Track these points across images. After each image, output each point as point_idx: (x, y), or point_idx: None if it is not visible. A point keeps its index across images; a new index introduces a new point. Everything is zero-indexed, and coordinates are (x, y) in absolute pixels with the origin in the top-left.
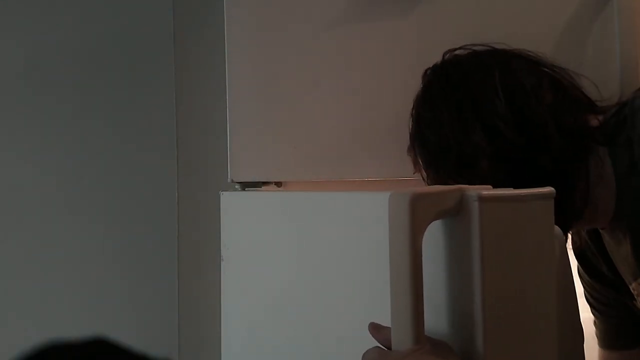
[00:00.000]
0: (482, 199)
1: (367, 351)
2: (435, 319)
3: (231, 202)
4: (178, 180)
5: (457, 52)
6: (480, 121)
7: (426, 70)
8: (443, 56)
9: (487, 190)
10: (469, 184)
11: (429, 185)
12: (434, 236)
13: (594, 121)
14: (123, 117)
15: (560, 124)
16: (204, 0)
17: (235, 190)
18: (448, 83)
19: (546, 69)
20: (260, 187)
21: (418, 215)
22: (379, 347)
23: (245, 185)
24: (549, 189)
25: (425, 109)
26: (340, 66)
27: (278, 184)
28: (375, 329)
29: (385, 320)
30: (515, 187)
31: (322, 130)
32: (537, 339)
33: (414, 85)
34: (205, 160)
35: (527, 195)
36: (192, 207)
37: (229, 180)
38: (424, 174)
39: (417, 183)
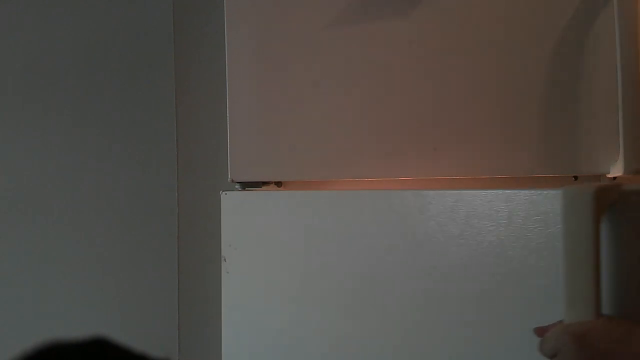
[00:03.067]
0: None
1: (545, 337)
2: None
3: (231, 202)
4: (178, 180)
5: None
6: None
7: None
8: None
9: None
10: None
11: None
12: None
13: None
14: (123, 117)
15: None
16: (204, 0)
17: (235, 190)
18: None
19: None
20: (260, 187)
21: (598, 208)
22: (560, 324)
23: (245, 185)
24: None
25: None
26: (340, 66)
27: (278, 184)
28: (541, 329)
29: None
30: None
31: (322, 130)
32: None
33: (414, 84)
34: (205, 160)
35: None
36: (192, 207)
37: (229, 180)
38: None
39: (418, 182)
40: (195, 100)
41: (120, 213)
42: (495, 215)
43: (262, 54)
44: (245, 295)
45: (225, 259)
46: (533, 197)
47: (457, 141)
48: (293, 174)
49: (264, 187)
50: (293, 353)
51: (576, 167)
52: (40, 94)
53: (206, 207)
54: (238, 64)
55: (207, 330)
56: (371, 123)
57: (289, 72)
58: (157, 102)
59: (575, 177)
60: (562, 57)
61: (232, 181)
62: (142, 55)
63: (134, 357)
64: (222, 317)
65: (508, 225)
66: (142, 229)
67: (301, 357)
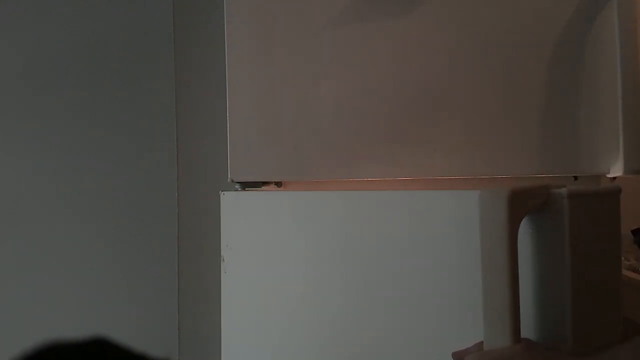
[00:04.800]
0: (570, 196)
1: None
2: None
3: (231, 202)
4: (178, 180)
5: None
6: None
7: None
8: None
9: (571, 187)
10: None
11: None
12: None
13: None
14: (123, 117)
15: None
16: (204, 0)
17: (235, 190)
18: None
19: None
20: (260, 187)
21: (515, 212)
22: (476, 352)
23: (245, 185)
24: (617, 186)
25: None
26: (340, 66)
27: (278, 184)
28: (460, 353)
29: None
30: None
31: (322, 130)
32: (613, 324)
33: (414, 85)
34: (205, 160)
35: (603, 192)
36: (192, 207)
37: (229, 180)
38: None
39: (417, 182)
40: (195, 100)
41: (120, 213)
42: None
43: (262, 54)
44: (244, 295)
45: (223, 259)
46: None
47: (457, 141)
48: (293, 174)
49: (263, 187)
50: (292, 352)
51: (576, 167)
52: (40, 93)
53: (206, 207)
54: (238, 64)
55: (207, 330)
56: (371, 123)
57: (289, 72)
58: (157, 102)
59: (575, 177)
60: (562, 57)
61: (232, 181)
62: (142, 55)
63: (134, 357)
64: (221, 317)
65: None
66: (142, 229)
67: (300, 356)
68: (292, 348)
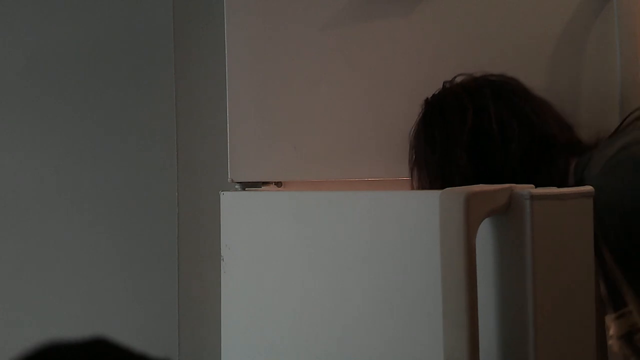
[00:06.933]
0: (533, 197)
1: None
2: (482, 315)
3: (231, 202)
4: (178, 180)
5: (456, 80)
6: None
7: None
8: (443, 85)
9: (537, 189)
10: None
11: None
12: (480, 233)
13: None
14: (123, 117)
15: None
16: (204, 0)
17: (235, 190)
18: (429, 121)
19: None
20: (260, 187)
21: (472, 213)
22: None
23: (245, 185)
24: (589, 188)
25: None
26: (340, 66)
27: (278, 184)
28: None
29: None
30: None
31: (322, 130)
32: (580, 331)
33: (414, 85)
34: (205, 160)
35: (572, 194)
36: (192, 207)
37: (229, 180)
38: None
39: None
40: (195, 100)
41: (121, 213)
42: None
43: (262, 54)
44: (244, 295)
45: (223, 259)
46: None
47: None
48: (293, 174)
49: (263, 187)
50: (292, 353)
51: None
52: (41, 94)
53: (206, 207)
54: (238, 64)
55: (207, 330)
56: (371, 123)
57: (288, 72)
58: (157, 102)
59: None
60: (562, 57)
61: (232, 181)
62: (142, 55)
63: (134, 357)
64: (221, 317)
65: None
66: (142, 229)
67: (300, 356)
68: (292, 348)
